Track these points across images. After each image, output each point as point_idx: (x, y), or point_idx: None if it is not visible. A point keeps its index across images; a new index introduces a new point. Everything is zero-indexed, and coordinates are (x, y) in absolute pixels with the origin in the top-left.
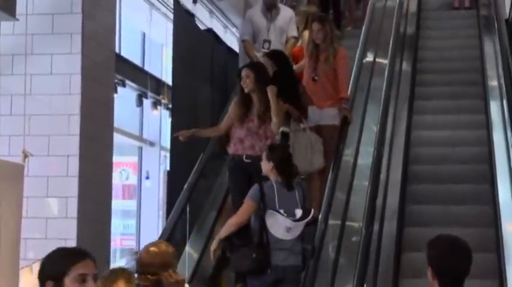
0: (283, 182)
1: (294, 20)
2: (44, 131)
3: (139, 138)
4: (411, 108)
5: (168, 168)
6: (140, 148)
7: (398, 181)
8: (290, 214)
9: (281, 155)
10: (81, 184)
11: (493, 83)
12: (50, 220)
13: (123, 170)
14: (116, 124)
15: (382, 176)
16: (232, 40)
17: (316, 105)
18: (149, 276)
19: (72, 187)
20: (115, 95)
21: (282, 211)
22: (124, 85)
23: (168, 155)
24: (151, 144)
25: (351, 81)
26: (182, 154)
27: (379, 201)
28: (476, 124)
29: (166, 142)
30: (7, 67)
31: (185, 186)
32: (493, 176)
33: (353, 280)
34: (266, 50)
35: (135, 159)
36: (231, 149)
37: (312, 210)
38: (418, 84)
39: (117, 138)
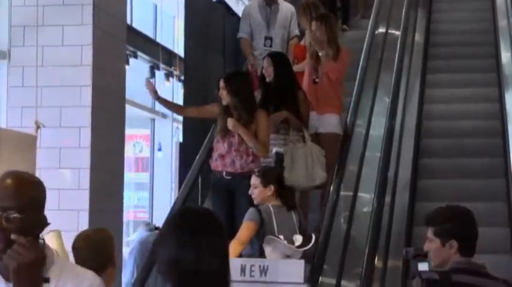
0: (282, 206)
1: (295, 16)
2: (56, 103)
3: (152, 110)
4: (424, 81)
5: (180, 139)
6: (153, 120)
7: (411, 154)
8: (289, 240)
9: (278, 178)
10: (93, 156)
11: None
12: (62, 191)
13: (136, 143)
14: (128, 96)
15: (394, 149)
16: None
17: (316, 110)
18: None
19: (85, 158)
20: (127, 67)
21: (281, 236)
22: (136, 57)
23: (180, 126)
24: (164, 116)
25: (363, 53)
26: (194, 125)
27: (390, 173)
28: (489, 97)
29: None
30: (18, 39)
31: (197, 157)
32: (506, 150)
33: (364, 253)
34: (268, 48)
35: (148, 131)
36: (212, 164)
37: (313, 236)
38: (431, 58)
39: (130, 110)
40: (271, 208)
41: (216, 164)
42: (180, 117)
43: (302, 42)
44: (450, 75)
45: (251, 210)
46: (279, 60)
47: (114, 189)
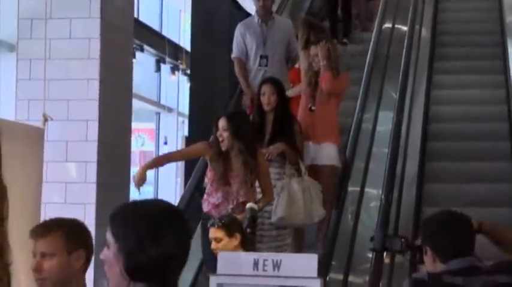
0: None
1: (293, 34)
2: (63, 96)
3: (157, 104)
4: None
5: (186, 133)
6: (158, 114)
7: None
8: None
9: (241, 224)
10: (100, 149)
11: None
12: (69, 184)
13: (138, 137)
14: (133, 90)
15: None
16: (251, 6)
17: (313, 139)
18: None
19: (91, 151)
20: (133, 60)
21: None
22: (142, 50)
23: (186, 121)
24: (170, 110)
25: (370, 48)
26: (200, 119)
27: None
28: (496, 84)
29: (184, 108)
30: (26, 31)
31: None
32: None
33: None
34: (264, 67)
35: (151, 125)
36: (203, 207)
37: None
38: (438, 45)
39: (135, 104)
40: None
41: (209, 209)
42: (186, 111)
43: (297, 65)
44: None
45: None
46: (282, 87)
47: (120, 183)
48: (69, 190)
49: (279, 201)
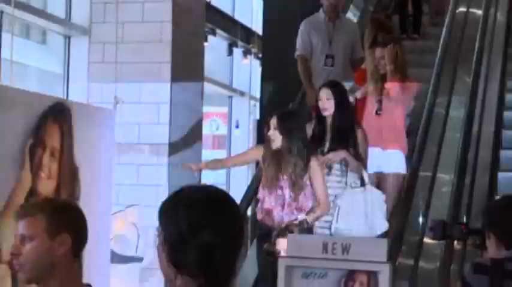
0: None
1: (359, 34)
2: (135, 79)
3: (230, 87)
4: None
5: (257, 117)
6: (230, 98)
7: (492, 128)
8: None
9: None
10: (171, 131)
11: None
12: (141, 166)
13: (213, 121)
14: (206, 74)
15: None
16: None
17: (378, 146)
18: None
19: (163, 134)
20: (205, 44)
21: None
22: (214, 34)
23: (257, 104)
24: (242, 93)
25: (443, 31)
26: (271, 102)
27: (471, 151)
28: None
29: (256, 92)
30: (99, 15)
31: None
32: None
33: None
34: (329, 67)
35: (224, 109)
36: (258, 215)
37: None
38: None
39: (207, 88)
40: None
41: (263, 217)
42: (257, 95)
43: (363, 66)
44: None
45: None
46: (341, 92)
47: None
48: (141, 171)
49: (339, 212)
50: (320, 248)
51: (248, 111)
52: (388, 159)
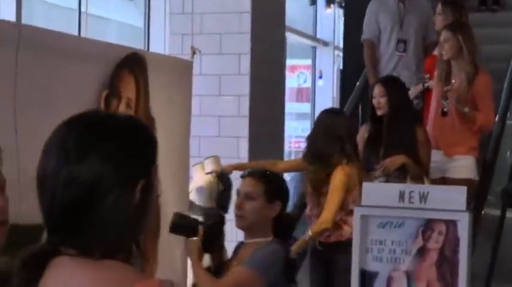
0: None
1: (432, 16)
2: (216, 30)
3: (313, 38)
4: None
5: (341, 67)
6: (314, 48)
7: None
8: None
9: None
10: (252, 83)
11: None
12: (222, 118)
13: (300, 73)
14: (289, 24)
15: None
16: None
17: (444, 149)
18: None
19: (244, 85)
20: None
21: None
22: None
23: (341, 54)
24: (325, 43)
25: None
26: (355, 51)
27: None
28: None
29: (340, 41)
30: None
31: (357, 84)
32: None
33: None
34: (401, 53)
35: (309, 62)
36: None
37: None
38: None
39: (291, 38)
40: None
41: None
42: (341, 44)
43: (435, 52)
44: None
45: None
46: (394, 88)
47: (274, 117)
48: (222, 123)
49: None
50: (397, 197)
51: (332, 62)
52: (454, 164)
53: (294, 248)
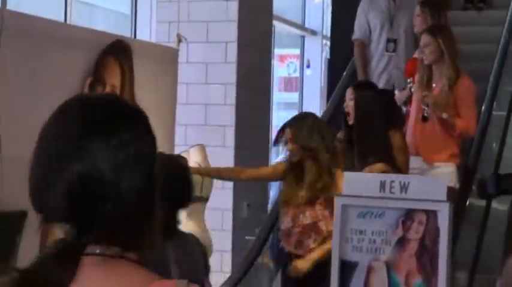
0: None
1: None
2: (203, 17)
3: (302, 27)
4: None
5: (328, 56)
6: (302, 37)
7: None
8: None
9: None
10: (239, 71)
11: None
12: (208, 106)
13: (290, 63)
14: (277, 13)
15: None
16: None
17: (423, 156)
18: None
19: (231, 73)
20: None
21: None
22: None
23: (328, 43)
24: (313, 33)
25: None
26: (342, 40)
27: None
28: None
29: (328, 31)
30: None
31: (344, 74)
32: None
33: None
34: (391, 53)
35: (297, 51)
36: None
37: None
38: None
39: (280, 28)
40: None
41: (282, 241)
42: (329, 33)
43: (416, 55)
44: None
45: None
46: (364, 94)
47: (260, 106)
48: (209, 111)
49: None
50: (377, 187)
51: (321, 51)
52: (433, 172)
53: None
